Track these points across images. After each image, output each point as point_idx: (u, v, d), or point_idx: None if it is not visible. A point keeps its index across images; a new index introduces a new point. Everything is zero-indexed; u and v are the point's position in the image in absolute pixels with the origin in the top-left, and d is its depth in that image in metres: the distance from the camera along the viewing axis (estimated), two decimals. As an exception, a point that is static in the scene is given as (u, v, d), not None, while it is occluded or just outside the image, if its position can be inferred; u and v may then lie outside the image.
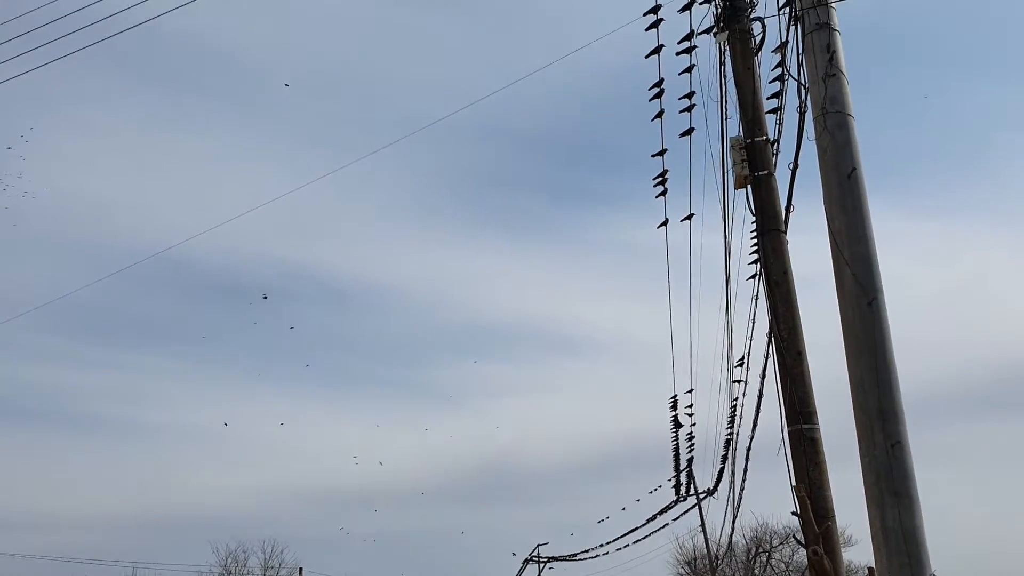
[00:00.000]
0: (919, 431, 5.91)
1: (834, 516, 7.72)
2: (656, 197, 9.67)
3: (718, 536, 36.67)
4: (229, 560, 49.67)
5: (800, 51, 6.62)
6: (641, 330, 75.74)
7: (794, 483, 7.65)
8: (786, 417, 7.95)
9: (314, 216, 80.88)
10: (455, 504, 73.27)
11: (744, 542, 48.94)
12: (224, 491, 69.41)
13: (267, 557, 50.34)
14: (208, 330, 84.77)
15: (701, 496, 33.53)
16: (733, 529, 23.88)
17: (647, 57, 8.92)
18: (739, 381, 11.36)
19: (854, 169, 6.10)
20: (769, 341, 8.57)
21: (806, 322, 8.25)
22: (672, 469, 27.30)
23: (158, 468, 70.23)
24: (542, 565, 42.50)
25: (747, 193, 8.59)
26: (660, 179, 9.56)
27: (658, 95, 9.10)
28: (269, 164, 76.92)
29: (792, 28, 6.80)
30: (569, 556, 40.03)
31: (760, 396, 10.30)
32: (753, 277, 9.32)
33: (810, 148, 6.47)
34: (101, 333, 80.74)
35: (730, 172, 8.85)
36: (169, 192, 79.99)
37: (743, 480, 16.60)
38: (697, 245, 10.82)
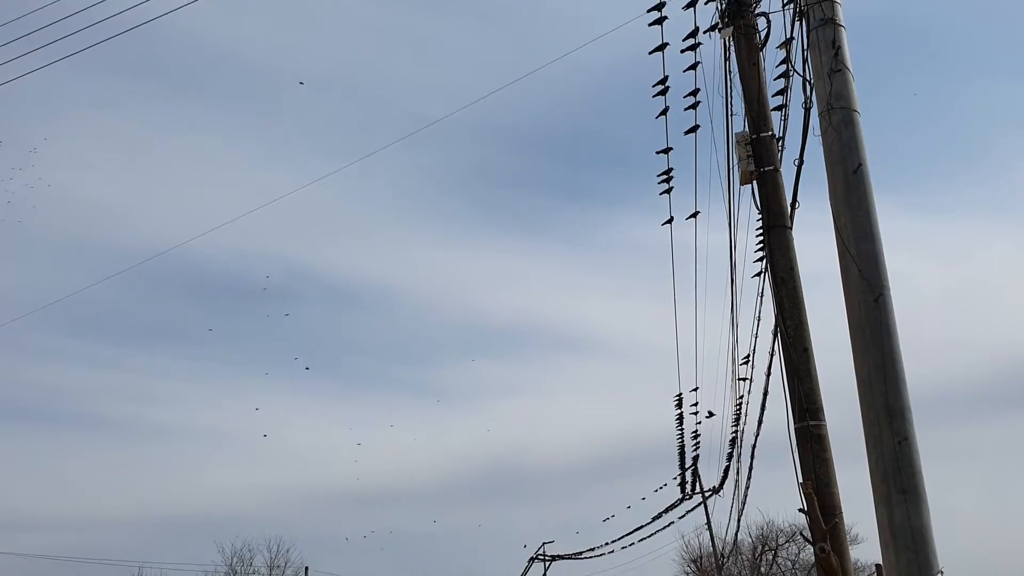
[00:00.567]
0: (926, 429, 5.90)
1: (841, 513, 7.68)
2: (661, 195, 9.66)
3: (724, 534, 36.60)
4: (235, 559, 49.66)
5: (805, 47, 6.61)
6: (647, 328, 75.60)
7: (801, 480, 7.62)
8: (793, 414, 7.93)
9: (318, 215, 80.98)
10: (462, 503, 73.20)
11: (750, 540, 48.86)
12: (230, 491, 69.45)
13: (273, 556, 50.26)
14: (213, 330, 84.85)
15: (707, 494, 33.57)
16: (739, 527, 23.82)
17: (651, 54, 8.90)
18: (744, 379, 11.34)
19: (860, 165, 6.07)
20: (775, 337, 8.54)
21: (812, 320, 8.21)
22: (678, 467, 27.27)
23: (163, 468, 70.28)
24: (547, 563, 42.55)
25: (752, 189, 8.56)
26: (665, 176, 9.54)
27: (662, 92, 9.08)
28: (273, 164, 77.11)
29: (797, 24, 6.79)
30: (575, 554, 40.12)
31: (766, 393, 10.27)
32: (759, 274, 9.30)
33: (816, 144, 6.46)
34: (106, 333, 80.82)
35: (735, 168, 8.83)
36: (173, 192, 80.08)
37: (748, 478, 16.61)
38: (703, 242, 10.78)
